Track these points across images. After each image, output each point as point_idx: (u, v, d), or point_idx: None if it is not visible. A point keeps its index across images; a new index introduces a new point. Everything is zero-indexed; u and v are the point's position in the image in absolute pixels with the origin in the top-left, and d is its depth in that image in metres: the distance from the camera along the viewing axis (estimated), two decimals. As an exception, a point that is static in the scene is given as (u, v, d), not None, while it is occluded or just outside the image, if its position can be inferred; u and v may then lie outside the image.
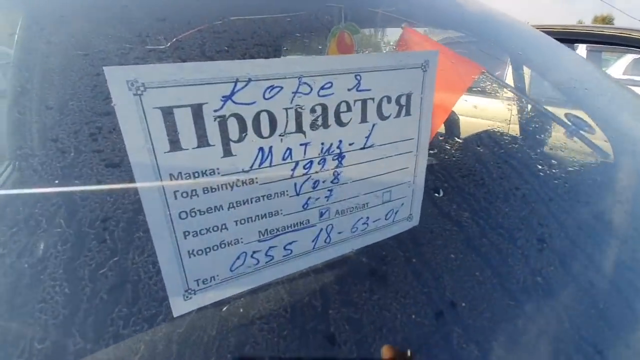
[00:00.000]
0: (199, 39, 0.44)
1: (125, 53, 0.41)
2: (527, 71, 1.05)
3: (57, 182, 0.35)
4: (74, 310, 0.29)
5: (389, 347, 0.35)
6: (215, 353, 0.31)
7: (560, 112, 0.74)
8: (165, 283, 0.29)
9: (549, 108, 0.76)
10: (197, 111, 0.26)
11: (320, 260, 0.37)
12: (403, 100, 0.35)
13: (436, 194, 0.45)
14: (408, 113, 0.36)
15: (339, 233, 0.37)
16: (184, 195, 0.27)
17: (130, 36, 0.43)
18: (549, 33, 1.07)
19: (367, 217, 0.38)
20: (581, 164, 0.65)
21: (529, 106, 0.92)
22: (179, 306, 0.30)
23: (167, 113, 0.25)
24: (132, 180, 0.25)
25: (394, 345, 0.35)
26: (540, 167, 0.60)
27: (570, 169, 0.64)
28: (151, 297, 0.31)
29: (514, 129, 0.72)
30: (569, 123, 0.66)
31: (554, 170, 0.60)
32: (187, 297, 0.30)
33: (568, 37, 1.77)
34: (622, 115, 0.82)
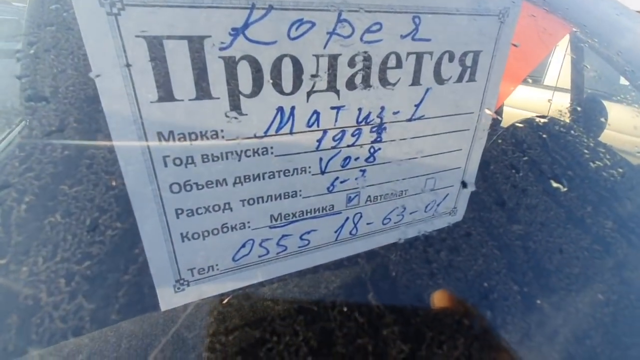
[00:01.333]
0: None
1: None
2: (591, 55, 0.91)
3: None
4: (41, 296, 0.24)
5: (442, 292, 0.29)
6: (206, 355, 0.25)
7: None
8: (151, 271, 0.23)
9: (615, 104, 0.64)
10: (196, 47, 0.19)
11: (342, 255, 0.30)
12: (469, 60, 0.27)
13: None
14: (472, 78, 0.27)
15: (368, 224, 0.30)
16: (177, 162, 0.21)
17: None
18: None
19: (404, 208, 0.31)
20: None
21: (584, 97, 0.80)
22: (168, 298, 0.24)
23: (155, 45, 0.18)
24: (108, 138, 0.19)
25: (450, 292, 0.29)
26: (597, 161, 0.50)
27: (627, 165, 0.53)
28: (135, 286, 0.25)
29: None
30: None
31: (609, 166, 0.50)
32: (178, 288, 0.25)
33: None
34: None
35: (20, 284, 0.20)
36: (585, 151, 0.43)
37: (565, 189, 0.38)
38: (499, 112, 0.68)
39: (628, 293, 0.34)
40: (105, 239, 0.23)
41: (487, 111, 0.25)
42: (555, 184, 0.39)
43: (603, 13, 0.72)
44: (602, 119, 0.79)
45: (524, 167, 0.41)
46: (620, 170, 0.43)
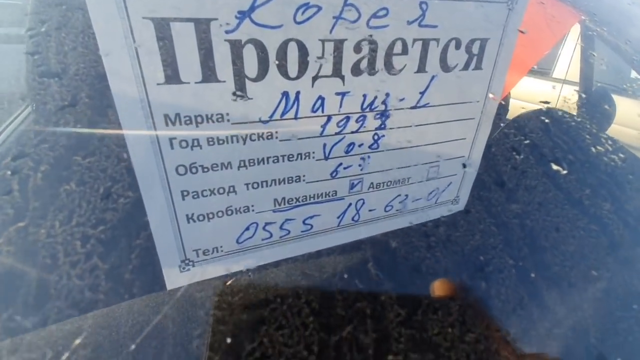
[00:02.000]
0: None
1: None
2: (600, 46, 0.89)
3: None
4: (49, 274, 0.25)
5: (442, 281, 0.29)
6: (209, 334, 0.26)
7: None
8: (157, 250, 0.24)
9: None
10: (202, 29, 0.19)
11: (344, 241, 0.31)
12: (475, 48, 0.26)
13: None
14: (479, 66, 0.27)
15: (370, 211, 0.30)
16: (183, 144, 0.21)
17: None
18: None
19: (406, 195, 0.31)
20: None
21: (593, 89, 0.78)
22: (174, 278, 0.25)
23: (162, 27, 0.18)
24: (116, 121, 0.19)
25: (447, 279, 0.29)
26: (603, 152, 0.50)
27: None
28: (142, 265, 0.26)
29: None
30: None
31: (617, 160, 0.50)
32: (183, 268, 0.25)
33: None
34: None
35: (38, 244, 0.21)
36: (587, 136, 0.43)
37: (565, 172, 0.38)
38: (505, 103, 0.67)
39: (622, 270, 0.34)
40: (118, 207, 0.23)
41: (491, 95, 0.25)
42: (555, 167, 0.39)
43: (614, 1, 0.70)
44: (610, 112, 0.78)
45: (525, 150, 0.41)
46: (622, 155, 0.43)
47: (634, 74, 0.71)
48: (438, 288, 0.31)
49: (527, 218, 0.35)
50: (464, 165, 0.30)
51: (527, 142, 0.42)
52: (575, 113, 0.57)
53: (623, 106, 0.74)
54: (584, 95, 0.68)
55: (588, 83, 0.81)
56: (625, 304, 0.33)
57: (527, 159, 0.40)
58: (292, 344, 0.25)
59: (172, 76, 0.19)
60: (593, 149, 0.44)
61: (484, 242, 0.34)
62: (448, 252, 0.33)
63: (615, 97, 0.76)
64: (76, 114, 0.21)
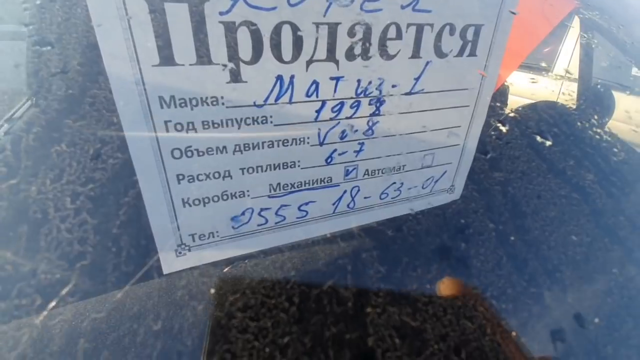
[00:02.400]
0: None
1: None
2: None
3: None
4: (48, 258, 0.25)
5: (449, 280, 0.29)
6: (206, 318, 0.26)
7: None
8: (154, 235, 0.24)
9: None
10: (196, 11, 0.19)
11: (339, 228, 0.31)
12: (470, 34, 0.26)
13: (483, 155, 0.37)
14: (473, 53, 0.27)
15: (365, 198, 0.31)
16: (178, 127, 0.21)
17: None
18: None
19: (402, 183, 0.31)
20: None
21: (591, 83, 0.78)
22: (170, 263, 0.25)
23: (157, 8, 0.18)
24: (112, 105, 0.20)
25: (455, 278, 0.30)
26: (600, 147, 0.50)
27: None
28: (139, 249, 0.26)
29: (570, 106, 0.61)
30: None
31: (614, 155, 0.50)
32: (180, 253, 0.25)
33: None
34: None
35: (29, 200, 0.22)
36: (574, 112, 0.44)
37: (550, 143, 0.39)
38: (503, 96, 0.68)
39: (602, 236, 0.35)
40: (107, 167, 0.24)
41: (480, 71, 0.25)
42: (540, 139, 0.40)
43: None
44: (610, 107, 0.78)
45: (510, 122, 0.41)
46: (607, 129, 0.44)
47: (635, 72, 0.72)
48: (445, 288, 0.31)
49: (510, 185, 0.36)
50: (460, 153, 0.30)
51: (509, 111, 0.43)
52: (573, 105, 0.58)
53: (624, 103, 0.74)
54: (583, 90, 0.68)
55: (587, 78, 0.81)
56: (604, 268, 0.34)
57: (507, 125, 0.41)
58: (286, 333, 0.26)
59: (167, 58, 0.19)
60: (579, 124, 0.45)
61: (465, 207, 0.35)
62: (430, 215, 0.33)
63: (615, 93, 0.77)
64: (67, 80, 0.22)
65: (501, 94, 0.69)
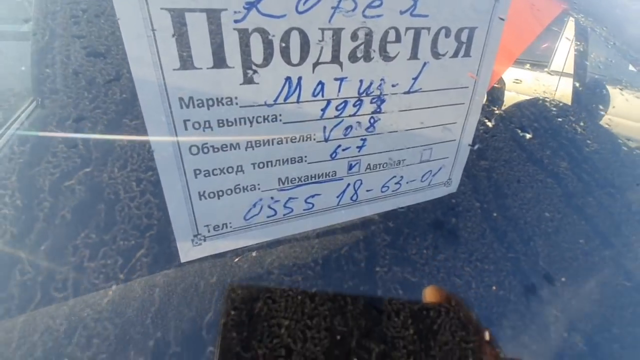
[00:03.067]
0: None
1: None
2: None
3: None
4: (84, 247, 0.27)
5: (433, 288, 0.31)
6: (221, 304, 0.28)
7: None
8: (172, 225, 0.26)
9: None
10: (214, 19, 0.21)
11: (343, 219, 0.33)
12: (464, 36, 0.28)
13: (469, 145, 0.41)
14: (467, 54, 0.29)
15: (368, 191, 0.32)
16: (196, 126, 0.23)
17: None
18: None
19: (401, 177, 0.33)
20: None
21: (586, 79, 0.80)
22: (187, 252, 0.27)
23: (178, 17, 0.20)
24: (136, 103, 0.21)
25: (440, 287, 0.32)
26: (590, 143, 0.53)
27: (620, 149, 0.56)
28: (159, 239, 0.28)
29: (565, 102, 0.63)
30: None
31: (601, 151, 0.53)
32: (196, 242, 0.27)
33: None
34: None
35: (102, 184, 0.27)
36: (553, 109, 0.47)
37: (530, 136, 0.42)
38: (499, 93, 0.70)
39: (572, 213, 0.39)
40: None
41: (470, 74, 0.27)
42: (521, 133, 0.43)
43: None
44: (604, 103, 0.80)
45: (496, 118, 0.44)
46: (582, 124, 0.47)
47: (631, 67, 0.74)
48: (429, 295, 0.32)
49: (494, 172, 0.39)
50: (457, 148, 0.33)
51: (494, 108, 0.47)
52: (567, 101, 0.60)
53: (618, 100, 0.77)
54: (577, 85, 0.71)
55: (582, 74, 0.83)
56: (573, 239, 0.38)
57: (492, 120, 0.44)
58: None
59: (186, 62, 0.21)
60: (553, 113, 0.48)
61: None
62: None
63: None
64: (120, 87, 0.24)
65: (496, 90, 0.72)
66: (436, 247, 0.34)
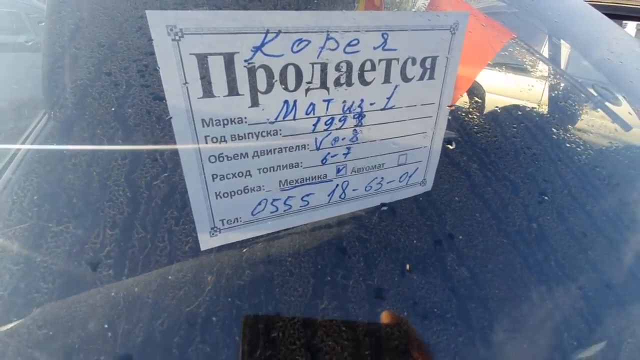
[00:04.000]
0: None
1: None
2: (566, 45, 0.98)
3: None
4: (119, 231, 0.33)
5: (388, 313, 0.37)
6: (236, 283, 0.35)
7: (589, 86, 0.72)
8: (194, 220, 0.32)
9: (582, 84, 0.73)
10: (229, 60, 0.27)
11: (334, 214, 0.39)
12: (428, 63, 0.35)
13: (449, 145, 0.48)
14: (432, 77, 0.36)
15: (354, 190, 0.39)
16: (214, 140, 0.30)
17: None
18: (598, 7, 0.99)
19: (382, 178, 0.40)
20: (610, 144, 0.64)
21: (562, 82, 0.87)
22: (206, 241, 0.34)
23: (202, 60, 0.26)
24: (169, 124, 0.28)
25: (393, 312, 0.38)
26: (569, 145, 0.60)
27: (596, 149, 0.63)
28: (185, 231, 0.34)
29: (544, 106, 0.70)
30: (595, 94, 0.65)
31: (581, 150, 0.60)
32: (213, 234, 0.34)
33: (617, 13, 1.62)
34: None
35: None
36: (530, 114, 0.56)
37: (515, 129, 0.52)
38: (481, 98, 0.77)
39: (549, 214, 0.49)
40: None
41: (447, 107, 0.35)
42: (495, 138, 0.52)
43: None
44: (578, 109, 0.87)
45: (474, 123, 0.52)
46: (557, 115, 0.56)
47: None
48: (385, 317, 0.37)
49: (470, 172, 0.47)
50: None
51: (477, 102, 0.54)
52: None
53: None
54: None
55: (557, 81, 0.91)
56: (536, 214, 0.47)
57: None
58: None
59: (208, 92, 0.28)
60: (533, 124, 0.56)
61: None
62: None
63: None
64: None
65: (478, 97, 0.79)
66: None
